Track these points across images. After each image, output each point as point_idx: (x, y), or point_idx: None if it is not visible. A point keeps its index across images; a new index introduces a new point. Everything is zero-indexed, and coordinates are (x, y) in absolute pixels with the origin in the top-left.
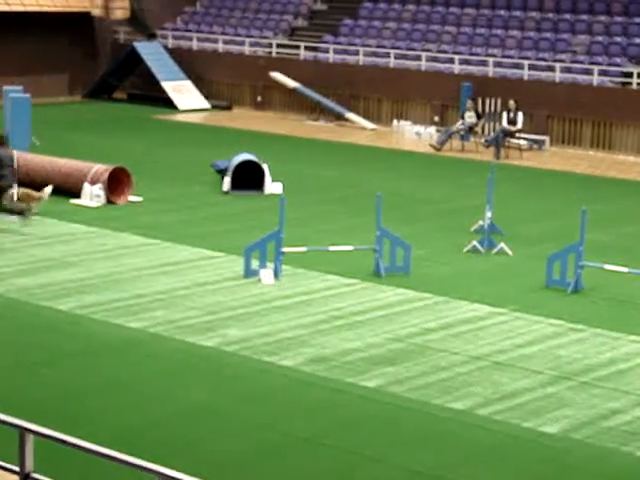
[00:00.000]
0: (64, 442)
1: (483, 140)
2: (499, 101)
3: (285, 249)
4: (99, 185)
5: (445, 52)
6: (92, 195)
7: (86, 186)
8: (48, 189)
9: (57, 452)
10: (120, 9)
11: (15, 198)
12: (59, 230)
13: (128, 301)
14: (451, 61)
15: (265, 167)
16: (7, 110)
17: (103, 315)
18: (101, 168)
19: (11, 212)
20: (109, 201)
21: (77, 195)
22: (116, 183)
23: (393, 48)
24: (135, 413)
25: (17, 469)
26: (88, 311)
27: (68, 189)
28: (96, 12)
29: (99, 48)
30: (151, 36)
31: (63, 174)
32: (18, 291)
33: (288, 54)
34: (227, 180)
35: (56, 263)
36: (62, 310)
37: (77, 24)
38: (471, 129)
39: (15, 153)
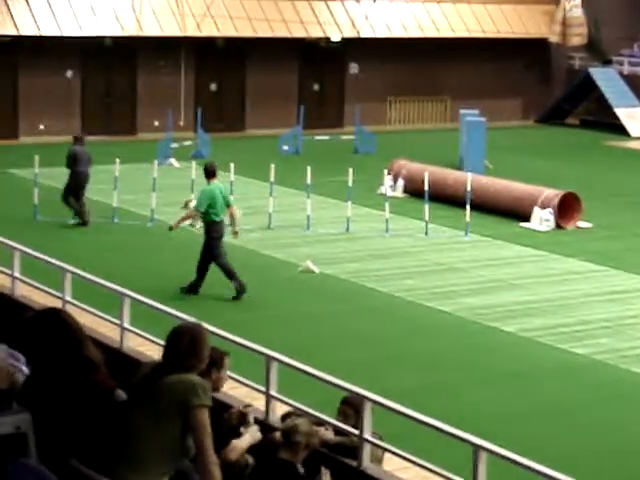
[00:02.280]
0: (516, 462)
1: None
2: None
3: None
4: (549, 209)
5: None
6: (542, 219)
7: (536, 210)
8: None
9: (503, 470)
10: (578, 36)
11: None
12: (508, 252)
13: (573, 327)
14: None
15: None
16: (463, 133)
17: (548, 339)
18: (551, 193)
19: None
20: (558, 226)
21: (526, 219)
22: (566, 208)
23: None
24: (572, 440)
25: None
26: (533, 334)
27: (518, 213)
28: (554, 39)
29: (554, 73)
30: (606, 62)
31: (515, 197)
32: (466, 310)
33: None
34: None
35: (503, 284)
36: (507, 331)
37: (533, 49)
38: None
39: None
